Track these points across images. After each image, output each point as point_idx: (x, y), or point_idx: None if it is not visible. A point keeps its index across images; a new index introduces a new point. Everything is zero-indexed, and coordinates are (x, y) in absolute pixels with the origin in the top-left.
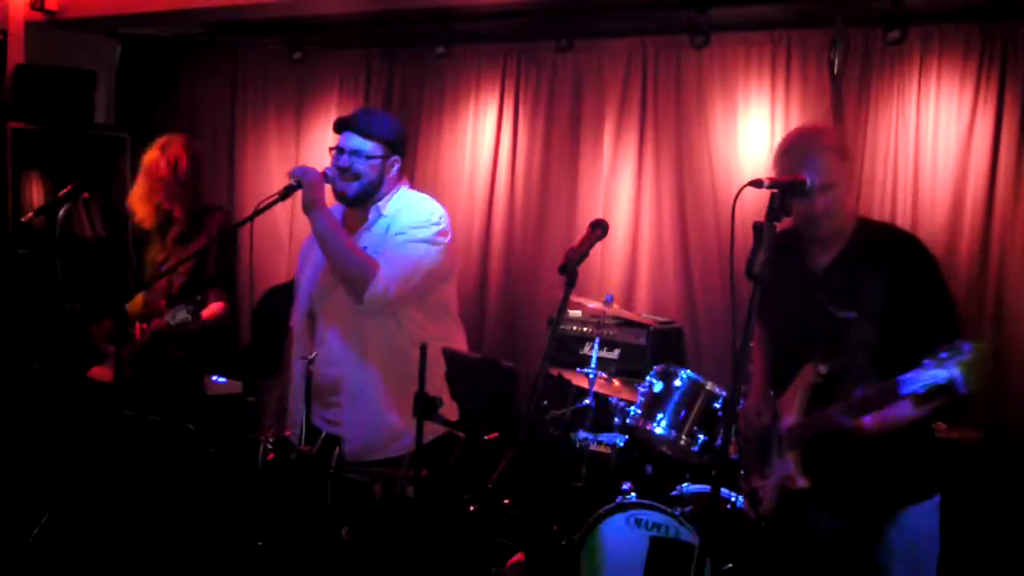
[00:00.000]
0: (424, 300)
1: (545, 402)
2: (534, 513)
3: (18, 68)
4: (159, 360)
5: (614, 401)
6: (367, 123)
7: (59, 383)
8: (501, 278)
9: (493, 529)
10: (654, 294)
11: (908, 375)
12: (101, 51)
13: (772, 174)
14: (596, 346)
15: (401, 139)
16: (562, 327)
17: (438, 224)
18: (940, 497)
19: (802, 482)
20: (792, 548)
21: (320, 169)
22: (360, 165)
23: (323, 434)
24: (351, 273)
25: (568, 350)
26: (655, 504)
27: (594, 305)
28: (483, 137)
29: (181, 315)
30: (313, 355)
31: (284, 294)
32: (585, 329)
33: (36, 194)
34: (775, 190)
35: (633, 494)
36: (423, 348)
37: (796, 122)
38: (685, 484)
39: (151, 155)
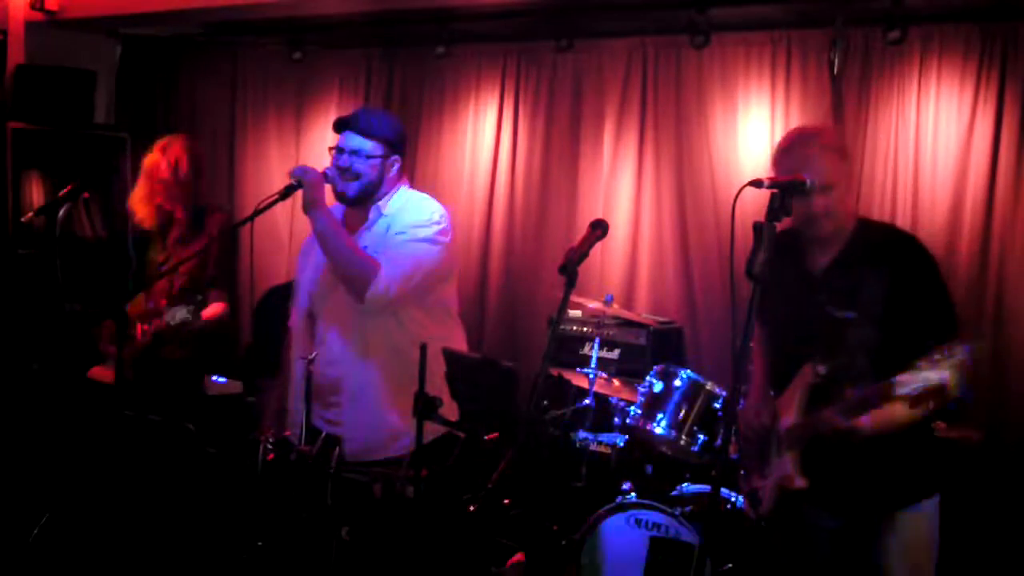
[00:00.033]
0: (425, 300)
1: (545, 402)
2: (534, 513)
3: (18, 68)
4: (160, 360)
5: (614, 401)
6: (367, 123)
7: (59, 383)
8: (501, 278)
9: (493, 529)
10: (654, 294)
11: (902, 377)
12: (101, 51)
13: (772, 174)
14: (596, 346)
15: (401, 138)
16: (562, 327)
17: (439, 223)
18: (939, 497)
19: (800, 482)
20: (792, 548)
21: (320, 169)
22: (360, 165)
23: (323, 434)
24: (352, 273)
25: (568, 350)
26: (655, 504)
27: (594, 305)
28: (483, 137)
29: (181, 315)
30: (313, 355)
31: (284, 294)
32: (585, 329)
33: (36, 194)
34: (775, 190)
35: (633, 494)
36: (423, 348)
37: (796, 122)
38: (685, 484)
39: (151, 157)
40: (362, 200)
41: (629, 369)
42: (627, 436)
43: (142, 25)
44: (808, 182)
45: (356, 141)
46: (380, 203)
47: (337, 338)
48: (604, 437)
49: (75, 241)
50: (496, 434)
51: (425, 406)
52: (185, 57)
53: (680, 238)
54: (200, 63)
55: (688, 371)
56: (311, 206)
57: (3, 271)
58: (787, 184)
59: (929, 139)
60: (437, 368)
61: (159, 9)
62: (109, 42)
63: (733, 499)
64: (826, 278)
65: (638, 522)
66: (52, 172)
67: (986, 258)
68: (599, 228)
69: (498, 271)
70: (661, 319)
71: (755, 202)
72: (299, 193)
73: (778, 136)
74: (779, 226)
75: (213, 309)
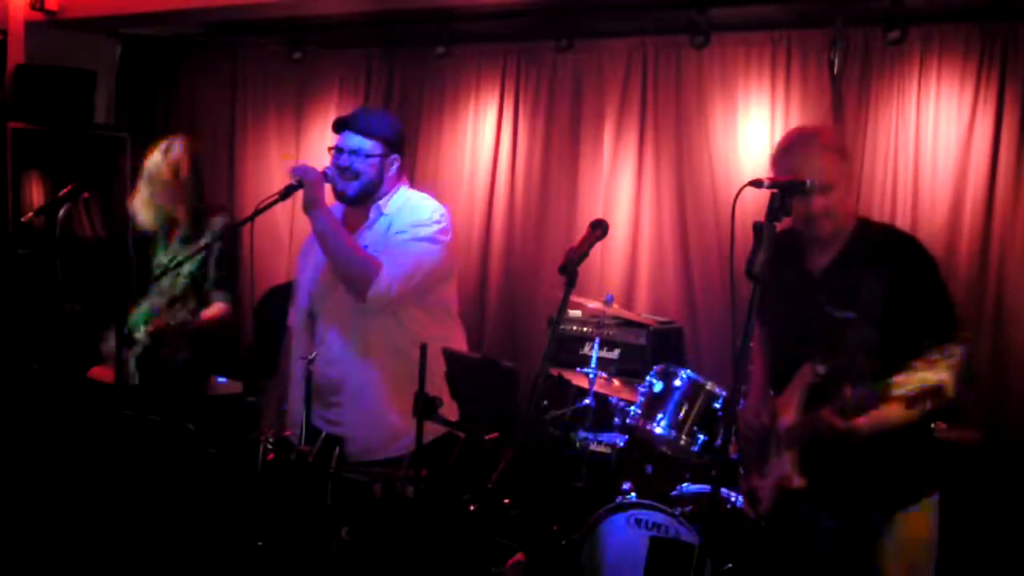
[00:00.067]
0: (425, 300)
1: (545, 402)
2: (534, 513)
3: (18, 68)
4: (160, 361)
5: (614, 401)
6: (366, 122)
7: (59, 383)
8: (501, 278)
9: (493, 529)
10: (654, 294)
11: (900, 377)
12: (101, 51)
13: (771, 174)
14: (596, 346)
15: (400, 137)
16: (562, 327)
17: (439, 223)
18: (939, 497)
19: (798, 481)
20: (791, 548)
21: (320, 169)
22: (359, 164)
23: (323, 434)
24: (353, 272)
25: (568, 350)
26: (655, 504)
27: (594, 305)
28: (483, 137)
29: (181, 314)
30: (313, 355)
31: (284, 294)
32: (585, 329)
33: (36, 194)
34: (775, 190)
35: (633, 494)
36: (423, 348)
37: (796, 122)
38: (685, 484)
39: (152, 158)
40: (362, 199)
41: (629, 369)
42: (627, 436)
43: (142, 25)
44: (808, 182)
45: (355, 140)
46: (380, 203)
47: (337, 338)
48: (604, 437)
49: (75, 241)
50: (496, 434)
51: (425, 406)
52: (185, 57)
53: (680, 238)
54: (200, 63)
55: (688, 371)
56: (311, 206)
57: (3, 271)
58: (787, 184)
59: (929, 139)
60: (437, 368)
61: (159, 9)
62: (109, 42)
63: (733, 499)
64: (826, 278)
65: (638, 522)
66: (52, 172)
67: (986, 258)
68: (599, 228)
69: (498, 271)
70: (661, 319)
71: (755, 202)
72: (299, 193)
73: (778, 136)
74: (779, 226)
75: (215, 310)
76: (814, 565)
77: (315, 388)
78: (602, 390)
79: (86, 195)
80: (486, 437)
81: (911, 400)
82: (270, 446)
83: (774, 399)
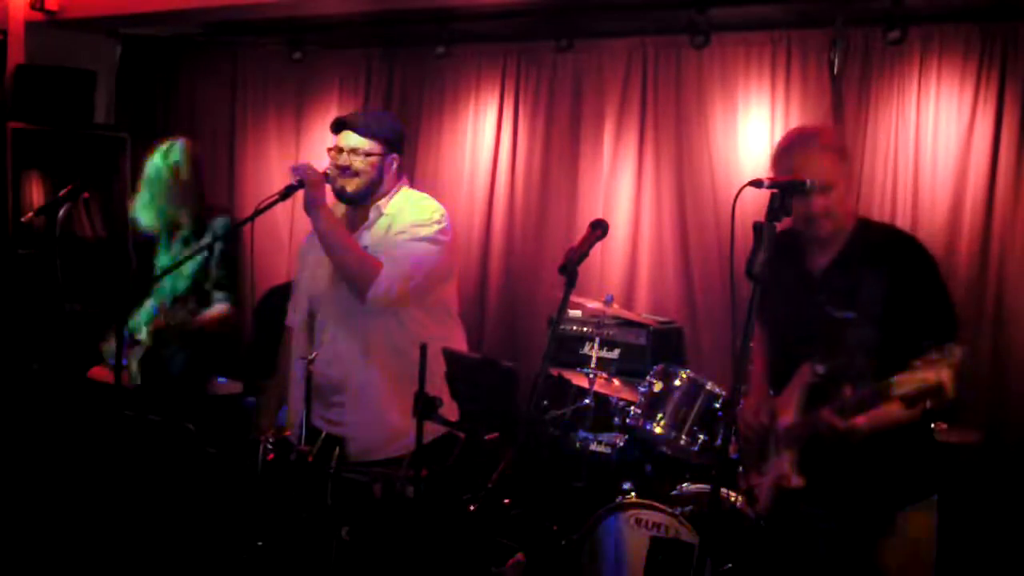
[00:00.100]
0: (425, 299)
1: (545, 402)
2: (534, 513)
3: (18, 68)
4: (160, 360)
5: (614, 401)
6: (364, 122)
7: (59, 383)
8: (501, 278)
9: (493, 529)
10: (654, 294)
11: (899, 377)
12: (101, 51)
13: (771, 174)
14: (596, 346)
15: (399, 137)
16: (562, 327)
17: (440, 223)
18: (938, 497)
19: (797, 481)
20: (790, 548)
21: (320, 169)
22: (359, 163)
23: (323, 434)
24: (353, 272)
25: (568, 350)
26: (655, 504)
27: (594, 305)
28: (483, 137)
29: (180, 314)
30: (313, 355)
31: (284, 294)
32: (585, 329)
33: (36, 194)
34: (775, 190)
35: (633, 494)
36: (423, 348)
37: (796, 122)
38: (685, 484)
39: (152, 161)
40: (362, 199)
41: (629, 369)
42: (627, 436)
43: (142, 25)
44: (808, 182)
45: (354, 140)
46: (380, 202)
47: (337, 338)
48: (604, 437)
49: (75, 241)
50: (496, 434)
51: (425, 406)
52: (185, 57)
53: (680, 238)
54: (200, 63)
55: (688, 371)
56: (312, 206)
57: (3, 271)
58: (787, 184)
59: (929, 139)
60: (437, 368)
61: (159, 9)
62: (109, 42)
63: (733, 499)
64: (826, 278)
65: (638, 522)
66: (52, 172)
67: (986, 258)
68: (599, 228)
69: (498, 271)
70: (661, 319)
71: (755, 202)
72: (299, 193)
73: (778, 136)
74: (779, 226)
75: (216, 311)
76: (813, 565)
77: (315, 388)
78: (602, 390)
79: (86, 195)
80: (486, 437)
81: (911, 400)
82: (270, 446)
83: (774, 399)
